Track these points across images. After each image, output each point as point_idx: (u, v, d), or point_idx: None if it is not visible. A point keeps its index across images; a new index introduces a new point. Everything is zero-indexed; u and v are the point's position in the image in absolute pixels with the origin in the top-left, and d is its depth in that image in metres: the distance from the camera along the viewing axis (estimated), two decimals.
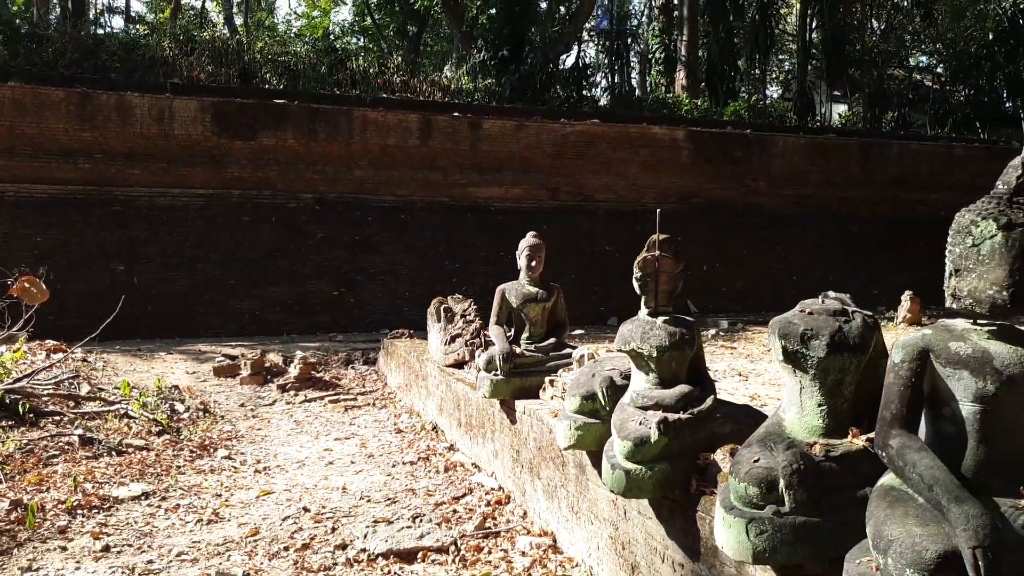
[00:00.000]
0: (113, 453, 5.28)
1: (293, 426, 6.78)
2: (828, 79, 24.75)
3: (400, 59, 20.26)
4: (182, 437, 5.92)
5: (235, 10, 32.15)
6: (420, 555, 3.93)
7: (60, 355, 7.75)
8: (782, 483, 2.26)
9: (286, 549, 3.95)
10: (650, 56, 28.37)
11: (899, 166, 17.86)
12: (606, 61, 27.32)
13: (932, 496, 1.81)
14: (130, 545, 3.92)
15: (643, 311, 3.35)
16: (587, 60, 28.04)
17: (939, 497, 1.79)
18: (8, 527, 3.94)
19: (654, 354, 3.19)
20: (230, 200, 13.12)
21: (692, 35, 23.17)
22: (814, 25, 25.08)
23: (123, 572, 3.58)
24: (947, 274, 2.02)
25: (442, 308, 6.77)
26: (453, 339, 6.41)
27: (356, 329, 12.86)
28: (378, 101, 15.67)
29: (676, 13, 25.65)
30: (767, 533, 2.24)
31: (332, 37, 33.33)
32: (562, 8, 24.60)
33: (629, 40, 34.20)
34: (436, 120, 14.14)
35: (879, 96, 24.36)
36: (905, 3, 26.53)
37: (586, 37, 36.35)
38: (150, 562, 3.72)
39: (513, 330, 5.23)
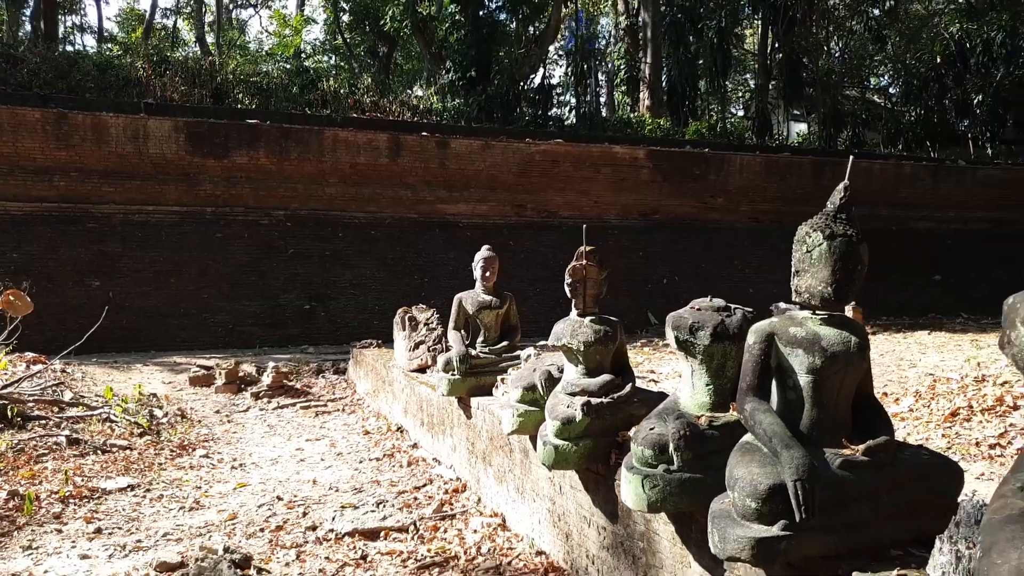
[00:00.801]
0: (99, 452, 5.67)
1: (267, 429, 7.19)
2: (785, 99, 25.73)
3: (370, 80, 20.74)
4: (162, 438, 6.31)
5: (207, 29, 32.50)
6: (383, 534, 4.39)
7: (40, 366, 8.08)
8: (671, 446, 2.79)
9: (262, 530, 4.39)
10: (615, 77, 29.21)
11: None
12: (572, 81, 28.04)
13: (771, 445, 2.34)
14: (120, 528, 4.34)
15: (573, 312, 3.88)
16: (552, 81, 28.73)
17: (775, 446, 2.31)
18: (7, 514, 4.34)
19: (581, 348, 3.71)
20: (203, 217, 13.49)
21: (656, 57, 24.00)
22: (774, 47, 26.10)
23: (115, 548, 4.00)
24: (792, 274, 2.56)
25: (407, 317, 7.25)
26: (417, 346, 6.89)
27: (327, 341, 13.24)
28: (348, 121, 16.16)
29: (641, 35, 26.54)
30: (659, 487, 2.76)
31: (304, 56, 33.77)
32: (532, 27, 25.28)
33: (597, 60, 35.11)
34: (405, 139, 14.65)
35: (834, 116, 25.41)
36: (859, 28, 27.71)
37: (555, 56, 37.26)
38: (139, 541, 4.14)
39: (470, 335, 5.73)
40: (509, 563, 4.00)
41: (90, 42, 33.06)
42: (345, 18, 28.10)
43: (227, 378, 8.88)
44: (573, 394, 3.65)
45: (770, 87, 26.64)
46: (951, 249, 19.88)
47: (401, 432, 6.89)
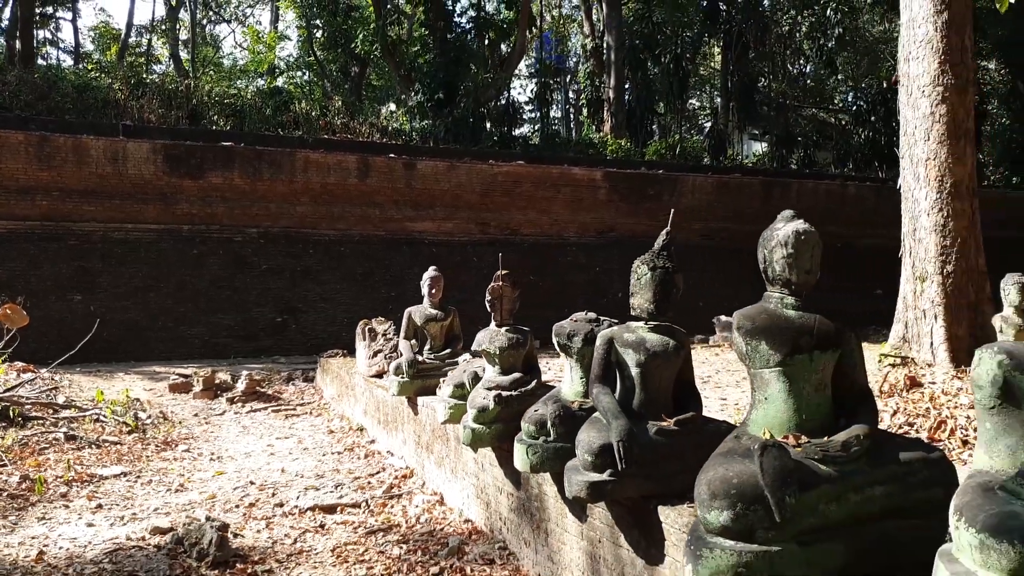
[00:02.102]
0: (93, 446, 6.47)
1: (241, 430, 8.00)
2: (740, 121, 27.01)
3: (341, 102, 21.58)
4: (148, 436, 7.11)
5: (181, 47, 33.14)
6: (339, 509, 5.25)
7: (30, 375, 8.81)
8: (549, 423, 3.70)
9: (237, 507, 5.23)
10: (581, 97, 30.35)
11: (798, 202, 19.88)
12: (537, 103, 29.08)
13: (606, 417, 3.25)
14: (117, 504, 5.16)
15: (492, 324, 4.80)
16: (522, 98, 29.75)
17: (608, 417, 3.23)
18: (22, 493, 5.13)
19: (497, 352, 4.63)
20: (180, 234, 14.23)
21: (619, 80, 25.13)
22: (730, 70, 27.40)
23: (115, 519, 4.82)
24: (630, 295, 3.49)
25: (367, 328, 8.12)
26: (375, 354, 7.76)
27: (297, 352, 14.03)
28: (319, 142, 17.01)
29: (605, 57, 27.69)
30: (539, 453, 3.68)
31: (277, 72, 34.49)
32: (499, 51, 26.29)
33: (567, 79, 36.25)
34: (374, 161, 15.53)
35: (787, 137, 26.72)
36: (811, 53, 29.15)
37: (526, 73, 38.36)
38: (134, 514, 4.97)
39: (419, 344, 6.62)
40: (441, 529, 4.89)
41: (63, 58, 33.55)
42: (318, 34, 28.89)
43: (204, 385, 9.66)
44: (489, 389, 4.55)
45: (730, 108, 27.96)
46: (893, 265, 21.15)
47: (361, 431, 7.74)
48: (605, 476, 3.14)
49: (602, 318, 4.01)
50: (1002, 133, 31.76)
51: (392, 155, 16.25)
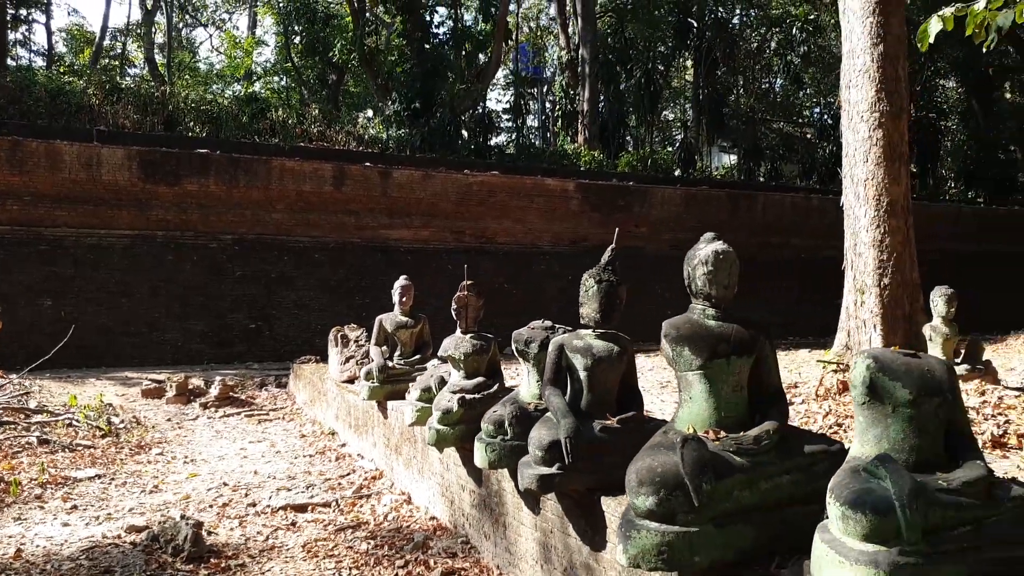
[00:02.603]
0: (66, 450, 6.64)
1: (214, 434, 8.19)
2: (710, 134, 27.62)
3: (318, 110, 21.77)
4: (121, 440, 7.29)
5: (156, 51, 33.04)
6: (310, 508, 5.50)
7: (2, 380, 8.92)
8: (506, 423, 4.00)
9: (210, 506, 5.46)
10: (555, 110, 30.80)
11: (764, 214, 20.46)
12: (512, 114, 29.46)
13: (556, 416, 3.56)
14: (92, 505, 5.35)
15: (458, 331, 5.09)
16: (499, 107, 30.10)
17: (557, 416, 3.54)
18: None
19: (462, 358, 4.93)
20: (154, 240, 14.33)
21: (593, 92, 25.60)
22: (699, 85, 28.02)
23: (90, 519, 5.03)
24: (579, 305, 3.80)
25: (339, 335, 8.37)
26: (347, 360, 8.01)
27: (271, 359, 14.18)
28: (295, 150, 17.20)
29: (579, 70, 28.16)
30: (496, 451, 3.97)
31: (254, 77, 34.50)
32: (480, 57, 26.59)
33: (543, 89, 36.69)
34: (349, 169, 15.75)
35: (754, 150, 27.38)
36: (777, 68, 29.91)
37: (504, 83, 38.73)
38: (109, 515, 5.17)
39: (390, 350, 6.88)
40: (408, 526, 5.16)
41: (34, 60, 33.25)
42: (296, 40, 28.99)
43: (177, 390, 9.82)
44: (454, 392, 4.84)
45: (701, 121, 28.57)
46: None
47: (333, 435, 7.98)
48: (554, 470, 3.44)
49: (557, 326, 4.32)
50: (959, 149, 32.81)
51: (368, 164, 16.49)
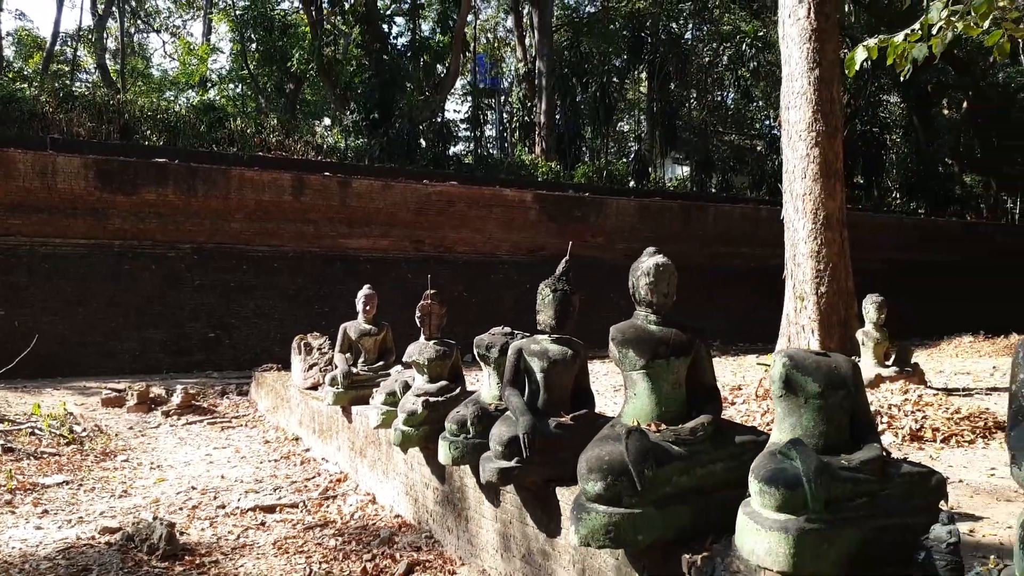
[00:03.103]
0: (32, 458, 6.71)
1: (178, 441, 8.30)
2: (663, 146, 28.35)
3: (276, 120, 21.80)
4: (86, 448, 7.37)
5: (108, 56, 32.56)
6: (278, 508, 5.71)
7: None
8: (469, 422, 4.29)
9: (180, 509, 5.63)
10: (513, 120, 31.25)
11: (715, 224, 21.12)
12: (471, 125, 29.79)
13: (515, 414, 3.87)
14: (62, 510, 5.48)
15: (422, 337, 5.37)
16: (450, 123, 30.36)
17: (516, 414, 3.85)
18: None
19: (426, 363, 5.21)
20: (111, 249, 14.26)
21: (549, 105, 26.10)
22: (653, 98, 28.77)
23: (62, 522, 5.16)
24: (536, 312, 4.12)
25: (303, 343, 8.55)
26: (311, 367, 8.21)
27: (230, 367, 14.21)
28: (255, 160, 17.24)
29: (536, 82, 28.66)
30: (459, 448, 4.26)
31: (209, 84, 34.19)
32: (438, 67, 26.86)
33: (502, 98, 37.13)
34: (309, 179, 15.88)
35: (706, 162, 28.18)
36: (728, 82, 30.84)
37: (462, 91, 39.07)
38: (80, 518, 5.31)
39: (354, 357, 7.12)
40: (374, 523, 5.40)
41: None
42: (252, 47, 28.85)
43: (139, 399, 9.86)
44: (418, 395, 5.12)
45: (655, 134, 29.32)
46: None
47: (297, 440, 8.16)
48: (513, 463, 3.75)
49: (516, 332, 4.64)
50: (902, 163, 34.21)
51: (327, 173, 16.63)
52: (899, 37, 5.29)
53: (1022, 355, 2.05)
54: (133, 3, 34.94)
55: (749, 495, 2.58)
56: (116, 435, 8.35)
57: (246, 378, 12.21)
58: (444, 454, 4.33)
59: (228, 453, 7.68)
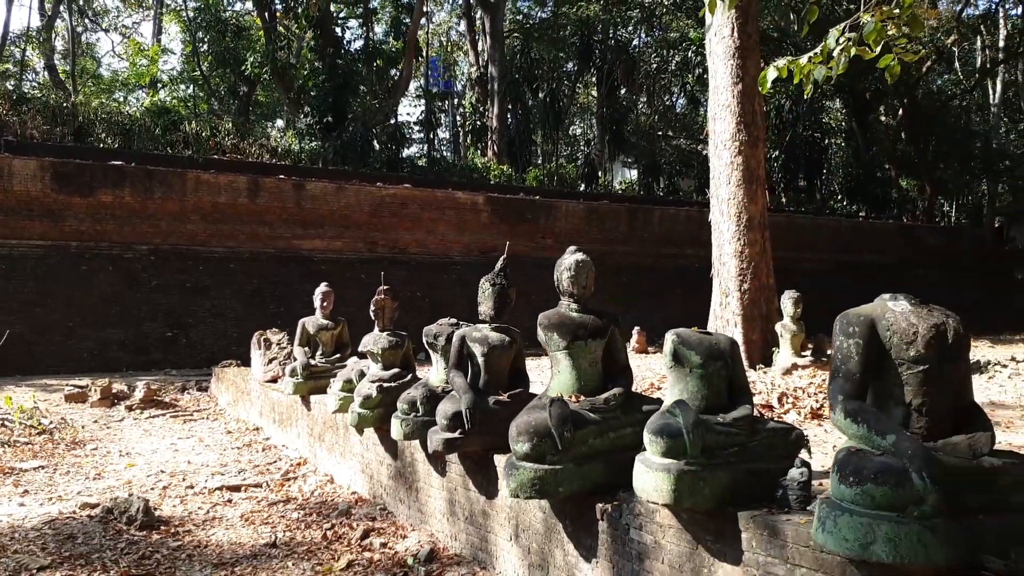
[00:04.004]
0: (5, 447, 7.03)
1: (143, 432, 8.64)
2: (612, 150, 29.20)
3: (231, 123, 21.94)
4: (56, 437, 7.69)
5: (57, 57, 32.06)
6: (243, 488, 6.17)
7: None
8: (418, 402, 4.84)
9: (152, 489, 6.05)
10: (466, 123, 31.78)
11: (660, 226, 21.93)
12: (424, 129, 30.21)
13: (459, 392, 4.43)
14: (42, 490, 5.86)
15: (376, 329, 5.90)
16: (404, 124, 30.77)
17: (459, 392, 4.41)
18: None
19: (380, 352, 5.74)
20: (68, 251, 14.38)
21: (501, 109, 26.70)
22: (602, 104, 29.60)
23: (44, 500, 5.56)
24: (478, 304, 4.69)
25: (262, 339, 8.98)
26: (270, 361, 8.64)
27: (188, 365, 14.45)
28: (210, 163, 17.46)
29: (489, 87, 29.24)
30: (410, 426, 4.81)
31: (160, 85, 33.92)
32: (391, 72, 27.20)
33: (455, 101, 37.62)
34: (264, 181, 16.19)
35: (652, 166, 29.11)
36: (675, 89, 31.88)
37: (416, 94, 39.40)
38: (60, 497, 5.70)
39: (312, 350, 7.59)
40: (332, 499, 5.91)
41: None
42: (203, 47, 28.77)
43: (102, 394, 10.13)
44: (373, 382, 5.64)
45: (605, 138, 30.17)
46: None
47: (257, 430, 8.58)
48: (456, 435, 4.32)
49: (461, 323, 5.20)
50: (843, 166, 35.69)
51: (282, 176, 16.94)
52: (804, 59, 5.98)
53: (839, 328, 2.67)
54: (81, 2, 34.43)
55: (644, 447, 3.18)
56: (83, 427, 8.65)
57: (205, 375, 12.51)
58: (396, 431, 4.88)
59: (192, 442, 8.07)
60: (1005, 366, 7.58)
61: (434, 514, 4.96)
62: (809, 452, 3.49)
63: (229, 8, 29.88)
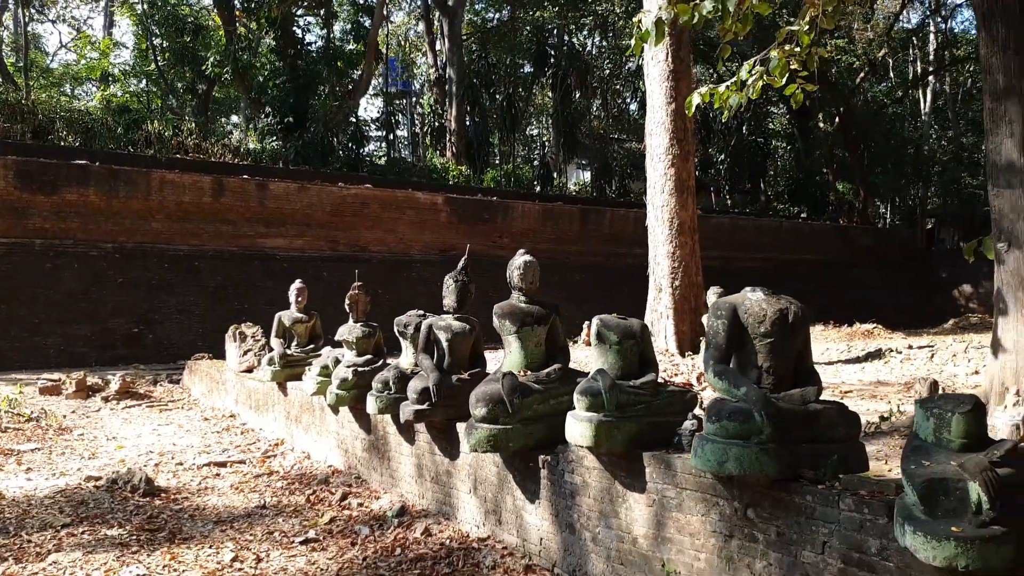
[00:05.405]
0: None
1: (123, 421, 9.22)
2: (566, 153, 30.19)
3: (194, 123, 22.24)
4: (43, 424, 8.25)
5: (6, 49, 31.66)
6: (228, 464, 6.88)
7: None
8: (391, 381, 5.64)
9: (145, 466, 6.70)
10: (424, 124, 32.43)
11: (611, 227, 22.95)
12: (384, 130, 30.75)
13: (426, 372, 5.24)
14: (44, 468, 6.49)
15: (351, 321, 6.68)
16: (363, 123, 31.23)
17: (427, 371, 5.23)
18: None
19: (354, 341, 6.51)
20: (32, 248, 14.71)
21: (460, 111, 27.41)
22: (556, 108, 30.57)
23: (48, 475, 6.19)
24: (442, 297, 5.51)
25: (237, 332, 9.64)
26: (246, 353, 9.32)
27: (155, 360, 14.91)
28: (174, 162, 17.87)
29: (447, 88, 29.91)
30: (384, 402, 5.60)
31: (111, 79, 33.70)
32: (352, 71, 27.62)
33: (414, 100, 38.18)
34: (228, 181, 16.69)
35: (605, 168, 30.20)
36: (627, 94, 33.04)
37: (375, 91, 39.79)
38: (63, 472, 6.34)
39: (287, 341, 8.30)
40: (311, 472, 6.67)
41: None
42: (157, 41, 28.69)
43: (77, 387, 10.63)
44: (348, 367, 6.42)
45: (560, 141, 31.16)
46: None
47: (233, 416, 9.25)
48: (425, 406, 5.13)
49: (427, 313, 6.01)
50: (785, 170, 37.35)
51: (246, 176, 17.46)
52: (722, 87, 6.94)
53: (711, 312, 3.55)
54: None
55: (575, 405, 4.05)
56: (64, 417, 9.19)
57: (174, 369, 13.04)
58: (372, 406, 5.67)
59: (172, 428, 8.70)
60: (900, 352, 8.69)
61: (404, 478, 5.77)
62: (703, 409, 4.40)
63: (185, 4, 29.92)
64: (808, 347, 3.53)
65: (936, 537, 2.30)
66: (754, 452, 3.02)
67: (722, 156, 33.11)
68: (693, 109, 6.91)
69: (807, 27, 6.30)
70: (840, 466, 3.06)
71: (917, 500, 2.41)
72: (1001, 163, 4.33)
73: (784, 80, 6.93)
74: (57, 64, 39.67)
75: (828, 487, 2.95)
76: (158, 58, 28.84)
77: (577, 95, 30.92)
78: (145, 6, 28.29)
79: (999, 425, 4.07)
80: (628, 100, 34.93)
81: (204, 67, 24.96)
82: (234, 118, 38.19)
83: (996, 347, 4.58)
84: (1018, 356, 4.33)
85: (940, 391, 5.33)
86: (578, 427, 3.86)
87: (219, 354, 11.52)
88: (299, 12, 28.19)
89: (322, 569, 4.37)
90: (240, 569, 4.34)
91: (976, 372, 6.69)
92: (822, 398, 3.46)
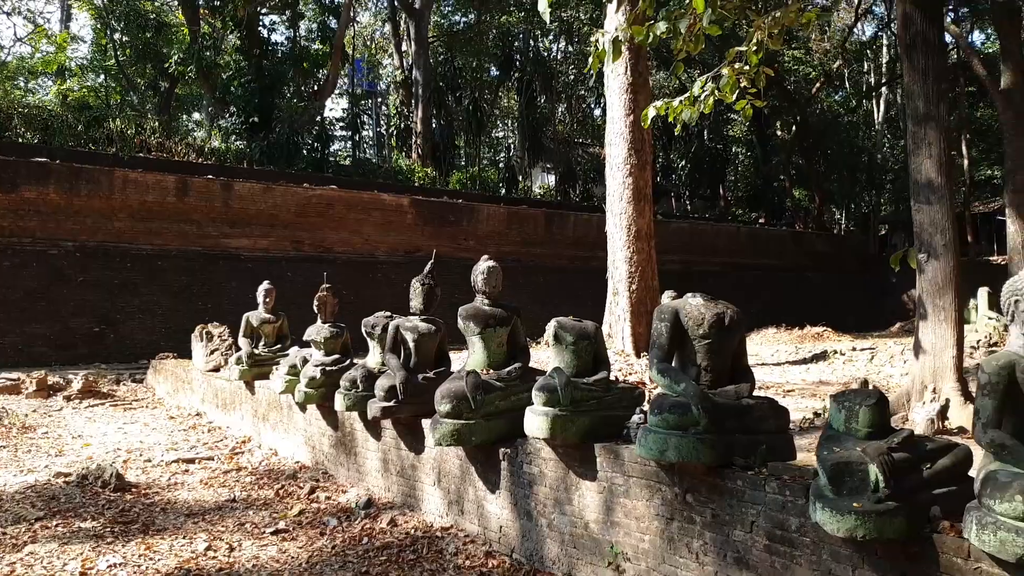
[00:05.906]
0: None
1: (86, 420, 9.27)
2: (531, 156, 30.56)
3: (157, 122, 22.07)
4: (6, 423, 8.29)
5: None
6: (197, 461, 7.04)
7: None
8: (358, 380, 5.88)
9: (113, 463, 6.83)
10: (390, 125, 32.52)
11: (574, 230, 23.33)
12: (349, 130, 30.77)
13: (393, 371, 5.50)
14: (11, 465, 6.58)
15: (319, 321, 6.89)
16: (329, 122, 31.25)
17: (393, 371, 5.48)
18: None
19: (322, 341, 6.74)
20: None
21: (426, 114, 27.59)
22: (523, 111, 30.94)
23: (16, 472, 6.29)
24: (410, 299, 5.77)
25: (204, 332, 9.76)
26: (212, 352, 9.45)
27: (117, 360, 14.85)
28: (137, 161, 17.77)
29: (414, 90, 30.06)
30: (351, 399, 5.84)
31: (68, 73, 33.12)
32: (318, 71, 27.63)
33: (379, 100, 38.19)
34: (192, 181, 16.68)
35: (568, 172, 30.64)
36: (591, 98, 33.55)
37: (341, 92, 39.70)
38: (31, 468, 6.44)
39: (255, 341, 8.46)
40: (279, 468, 6.86)
41: None
42: (117, 36, 28.29)
43: (37, 386, 10.62)
44: (317, 366, 6.64)
45: (525, 144, 31.52)
46: None
47: (200, 415, 9.36)
48: (392, 404, 5.39)
49: (394, 315, 6.26)
50: (744, 176, 38.23)
51: (210, 176, 17.44)
52: (676, 102, 7.31)
53: (656, 316, 3.88)
54: None
55: (533, 401, 4.35)
56: (26, 416, 9.21)
57: (137, 369, 13.04)
58: (340, 404, 5.90)
59: (138, 427, 8.80)
60: (844, 354, 9.18)
61: (370, 472, 6.01)
62: (645, 402, 4.74)
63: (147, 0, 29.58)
64: (743, 348, 3.89)
65: (840, 512, 2.66)
66: (692, 442, 3.35)
67: (683, 162, 33.79)
68: (648, 122, 7.26)
69: (755, 48, 6.69)
70: (769, 455, 3.41)
71: (826, 481, 2.76)
72: (922, 181, 4.74)
73: (734, 96, 7.30)
74: (11, 58, 38.85)
75: (756, 473, 3.29)
76: (118, 53, 28.47)
77: (542, 99, 31.35)
78: (104, 1, 27.95)
79: (918, 419, 4.48)
80: (592, 105, 35.45)
81: (167, 64, 24.77)
82: (196, 115, 37.84)
83: (917, 349, 5.00)
84: (935, 357, 4.74)
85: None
86: (536, 420, 4.17)
87: (183, 353, 11.58)
88: (264, 11, 28.15)
89: (293, 557, 4.60)
90: (214, 557, 4.55)
91: (907, 373, 7.17)
92: (755, 394, 3.81)
